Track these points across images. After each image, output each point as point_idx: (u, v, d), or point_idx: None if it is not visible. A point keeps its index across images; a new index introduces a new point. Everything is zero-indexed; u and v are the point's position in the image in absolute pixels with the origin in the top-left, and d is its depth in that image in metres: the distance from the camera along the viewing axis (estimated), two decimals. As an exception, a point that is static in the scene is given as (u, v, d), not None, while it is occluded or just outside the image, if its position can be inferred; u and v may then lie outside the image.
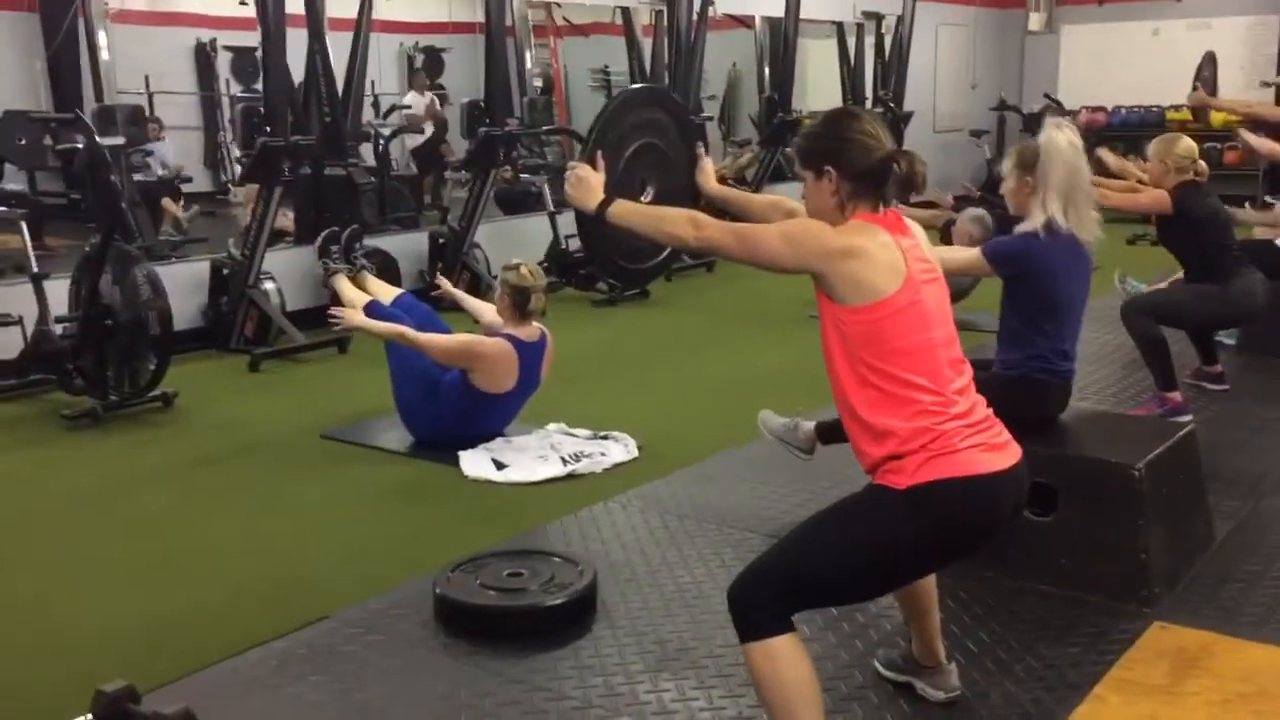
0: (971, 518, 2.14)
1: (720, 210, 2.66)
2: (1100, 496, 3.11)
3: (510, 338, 4.42)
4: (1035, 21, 14.17)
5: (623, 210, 2.40)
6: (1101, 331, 6.09)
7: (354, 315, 4.58)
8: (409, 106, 9.73)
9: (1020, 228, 3.39)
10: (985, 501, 2.13)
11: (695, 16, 8.62)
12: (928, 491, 2.09)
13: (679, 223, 2.29)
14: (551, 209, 7.87)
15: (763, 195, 2.84)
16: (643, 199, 2.93)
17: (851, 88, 11.99)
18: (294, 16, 6.13)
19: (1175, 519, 3.23)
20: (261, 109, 6.35)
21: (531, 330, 4.48)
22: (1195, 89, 7.53)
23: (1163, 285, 5.99)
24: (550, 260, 7.86)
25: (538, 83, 11.04)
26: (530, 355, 4.46)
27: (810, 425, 3.76)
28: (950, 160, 12.70)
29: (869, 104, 11.59)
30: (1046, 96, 13.62)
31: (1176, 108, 12.87)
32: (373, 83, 12.17)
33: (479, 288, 7.34)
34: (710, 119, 9.93)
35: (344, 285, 5.02)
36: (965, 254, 3.50)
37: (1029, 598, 3.12)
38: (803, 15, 11.78)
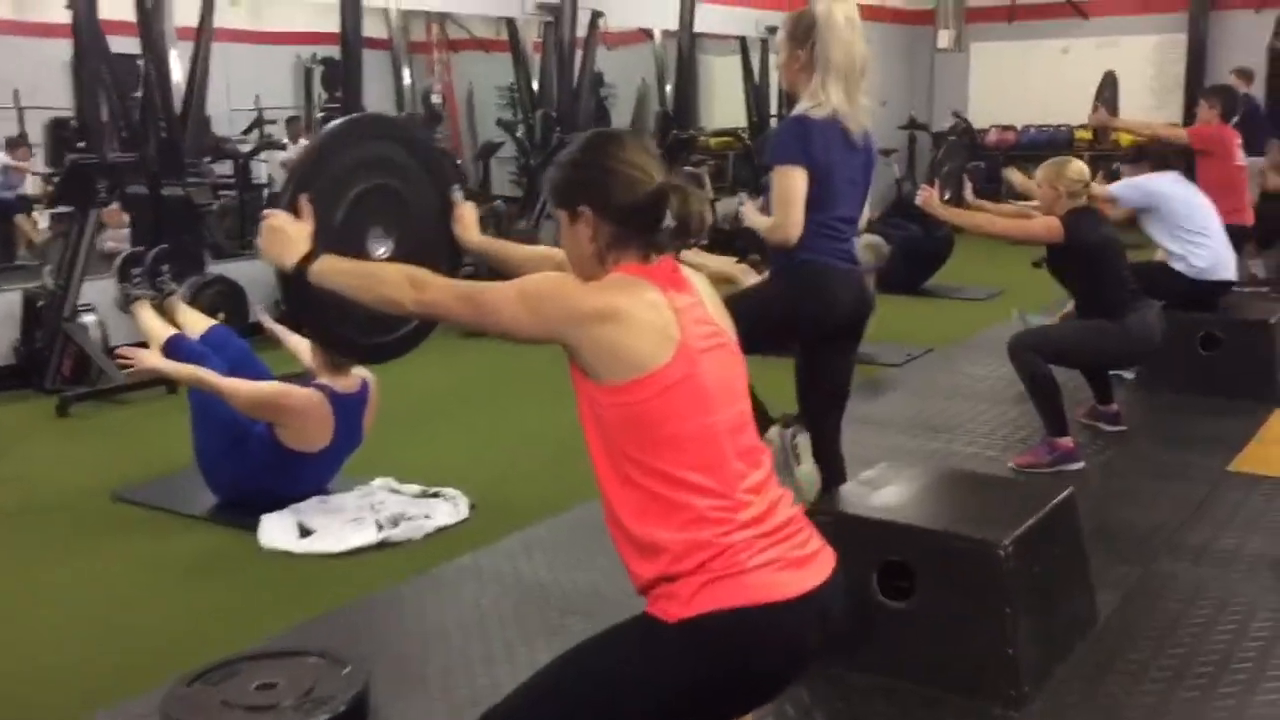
0: (761, 661, 1.67)
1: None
2: (961, 579, 2.67)
3: (324, 388, 3.88)
4: (944, 39, 13.93)
5: (328, 268, 1.92)
6: (993, 366, 5.70)
7: (146, 355, 4.02)
8: (270, 122, 9.12)
9: (795, 109, 3.10)
10: (779, 638, 1.66)
11: (578, 31, 8.15)
12: (703, 626, 1.62)
13: (396, 283, 1.82)
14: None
15: (531, 246, 2.38)
16: (377, 255, 2.41)
17: (755, 105, 11.65)
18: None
19: (1050, 601, 2.80)
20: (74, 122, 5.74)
21: (350, 380, 3.94)
22: (1096, 110, 7.22)
23: (1055, 318, 5.66)
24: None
25: (436, 99, 10.54)
26: (348, 409, 3.93)
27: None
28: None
29: (772, 121, 11.24)
30: (955, 114, 13.41)
31: (1085, 127, 12.68)
32: (257, 96, 11.65)
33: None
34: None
35: (146, 316, 4.42)
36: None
37: (880, 700, 2.67)
38: (704, 30, 11.44)
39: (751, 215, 3.30)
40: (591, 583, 3.37)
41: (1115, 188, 5.53)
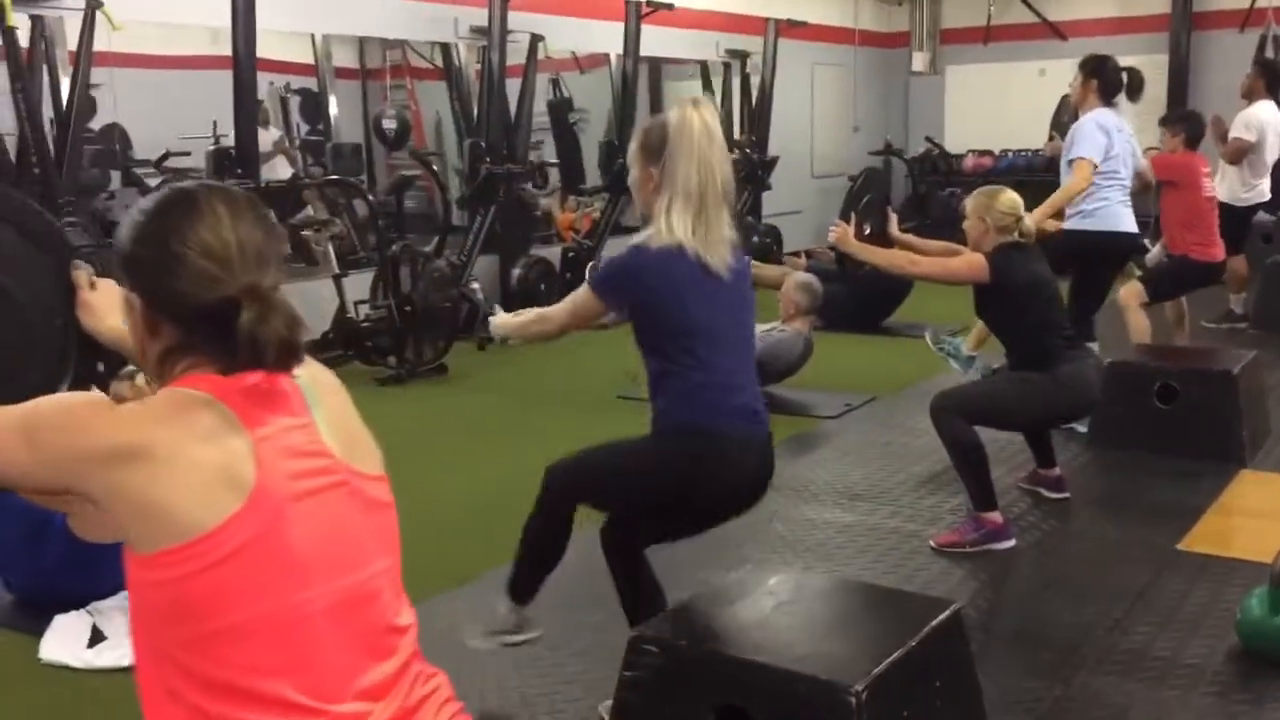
0: None
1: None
2: (807, 732, 2.16)
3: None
4: (919, 61, 13.50)
5: None
6: (914, 420, 5.18)
7: None
8: (184, 153, 8.61)
9: (634, 238, 2.58)
10: None
11: (520, 57, 7.69)
12: None
13: None
14: (336, 271, 6.85)
15: None
16: None
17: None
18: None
19: (922, 751, 2.29)
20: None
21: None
22: (1052, 138, 6.74)
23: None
24: (336, 329, 6.84)
25: (390, 124, 10.08)
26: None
27: (502, 605, 2.81)
28: (829, 206, 11.90)
29: (735, 149, 10.75)
30: (928, 140, 12.96)
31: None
32: (215, 123, 11.22)
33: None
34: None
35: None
36: (574, 298, 2.67)
37: None
38: (663, 54, 11.03)
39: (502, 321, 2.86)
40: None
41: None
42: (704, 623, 2.40)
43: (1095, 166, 5.05)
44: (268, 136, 9.72)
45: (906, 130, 13.65)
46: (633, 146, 2.62)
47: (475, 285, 7.88)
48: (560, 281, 8.67)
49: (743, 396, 2.56)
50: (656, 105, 12.77)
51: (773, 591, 2.56)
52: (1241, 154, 7.30)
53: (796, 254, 10.24)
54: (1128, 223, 5.19)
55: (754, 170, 10.14)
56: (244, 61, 5.91)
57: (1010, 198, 4.02)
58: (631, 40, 8.69)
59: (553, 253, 8.95)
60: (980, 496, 3.84)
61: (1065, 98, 7.65)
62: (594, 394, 6.22)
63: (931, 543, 3.87)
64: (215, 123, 11.30)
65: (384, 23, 7.95)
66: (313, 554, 1.21)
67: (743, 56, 11.02)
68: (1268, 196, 7.64)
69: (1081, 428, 5.12)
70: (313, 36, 8.07)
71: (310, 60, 11.45)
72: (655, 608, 2.65)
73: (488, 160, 7.52)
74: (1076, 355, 3.95)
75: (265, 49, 10.92)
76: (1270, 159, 7.49)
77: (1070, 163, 5.14)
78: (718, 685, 2.25)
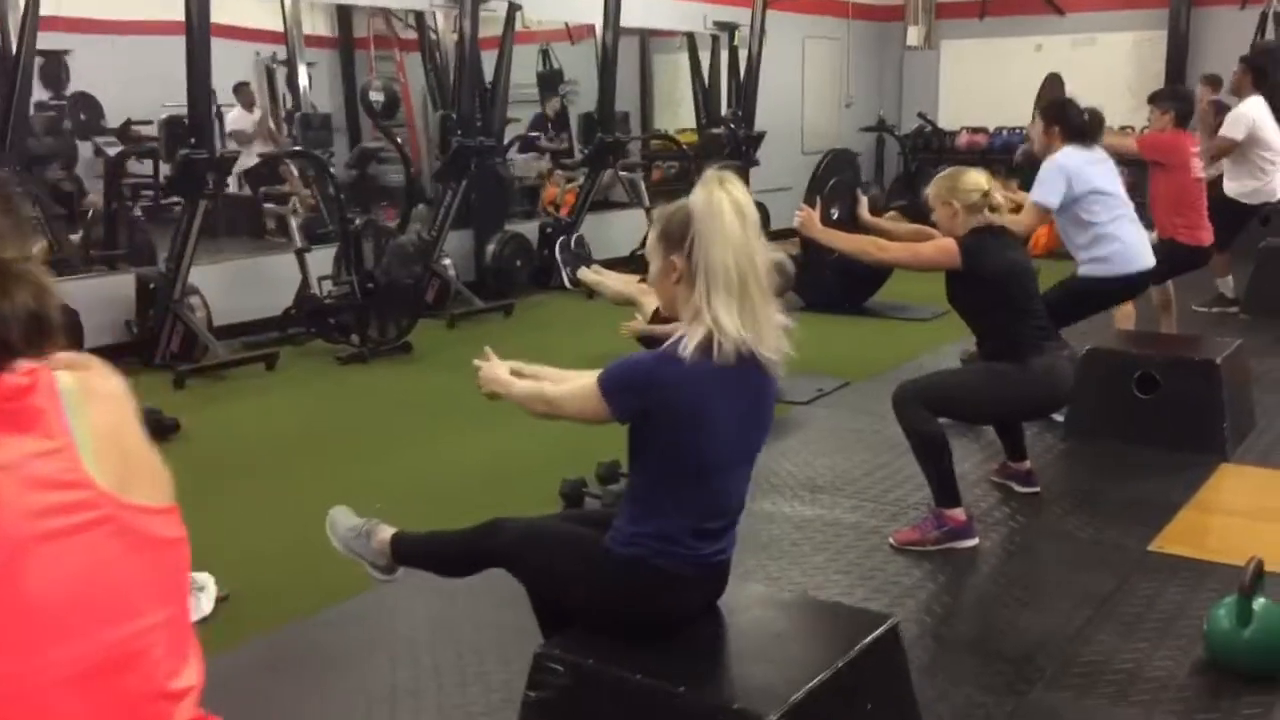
0: None
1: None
2: (717, 763, 1.98)
3: None
4: (913, 35, 13.22)
5: None
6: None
7: None
8: (145, 122, 8.37)
9: (668, 344, 2.20)
10: None
11: (478, 23, 7.45)
12: None
13: None
14: (300, 245, 6.65)
15: None
16: None
17: (705, 105, 10.94)
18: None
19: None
20: None
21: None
22: (1034, 118, 6.47)
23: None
24: (299, 306, 6.65)
25: (377, 96, 9.83)
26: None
27: (386, 535, 2.61)
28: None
29: (720, 124, 10.49)
30: (920, 116, 12.71)
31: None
32: (214, 91, 10.94)
33: (193, 346, 6.11)
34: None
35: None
36: (579, 390, 2.30)
37: None
38: (650, 25, 10.81)
39: None
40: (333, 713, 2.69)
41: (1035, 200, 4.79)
42: (617, 640, 2.21)
43: (1049, 212, 4.68)
44: (250, 118, 9.50)
45: (900, 106, 13.40)
46: (651, 235, 2.32)
47: (446, 262, 7.68)
48: (538, 257, 8.48)
49: (724, 544, 2.28)
50: (645, 78, 12.54)
51: (697, 603, 2.37)
52: (1223, 153, 7.03)
53: (785, 232, 10.00)
54: (1144, 258, 4.74)
55: (739, 146, 9.89)
56: (197, 27, 5.68)
57: (973, 176, 3.78)
58: (612, 10, 8.44)
59: (531, 228, 8.74)
60: (942, 492, 3.66)
61: (1050, 75, 7.36)
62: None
63: (891, 540, 3.69)
64: (213, 91, 11.11)
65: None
66: (57, 608, 1.01)
67: (731, 28, 10.77)
68: (1278, 195, 7.32)
69: (1059, 417, 4.92)
70: (281, 2, 7.79)
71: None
72: None
73: (459, 133, 7.30)
74: (1050, 347, 3.75)
75: (248, 18, 10.76)
76: (1272, 152, 7.17)
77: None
78: (623, 712, 2.07)
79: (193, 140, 5.71)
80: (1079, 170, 4.65)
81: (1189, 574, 3.42)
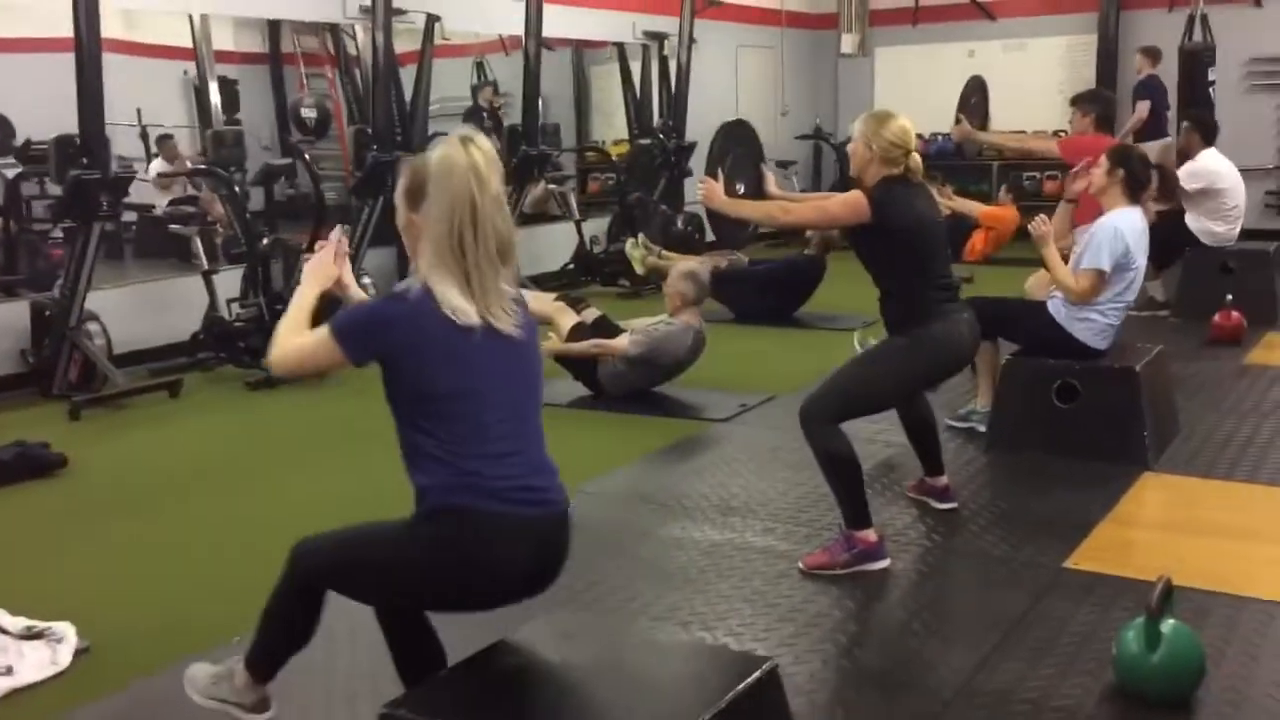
0: None
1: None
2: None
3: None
4: (848, 43, 13.18)
5: None
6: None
7: None
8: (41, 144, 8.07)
9: (399, 285, 2.22)
10: None
11: (391, 35, 7.25)
12: None
13: None
14: (206, 267, 6.42)
15: None
16: None
17: (636, 116, 10.81)
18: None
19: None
20: None
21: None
22: (959, 121, 6.42)
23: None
24: (206, 329, 6.42)
25: (309, 113, 9.59)
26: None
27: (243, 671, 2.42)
28: (758, 193, 11.57)
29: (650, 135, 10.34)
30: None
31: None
32: (139, 110, 10.64)
33: (93, 375, 5.86)
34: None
35: None
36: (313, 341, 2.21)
37: None
38: (577, 36, 10.66)
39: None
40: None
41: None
42: (468, 695, 2.03)
43: (1104, 277, 4.44)
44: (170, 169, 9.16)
45: (836, 113, 13.33)
46: (399, 187, 2.23)
47: (366, 280, 7.45)
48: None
49: (517, 472, 2.15)
50: (581, 89, 12.38)
51: (559, 652, 2.21)
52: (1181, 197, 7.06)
53: (717, 244, 9.88)
54: (1100, 344, 4.56)
55: (669, 156, 9.76)
56: (86, 43, 5.44)
57: (901, 125, 3.57)
58: (534, 21, 8.28)
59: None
60: (853, 513, 3.51)
61: (973, 78, 7.31)
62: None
63: (800, 564, 3.54)
64: (139, 110, 10.83)
65: (265, 2, 7.49)
66: None
67: (661, 38, 10.64)
68: (1234, 240, 7.35)
69: (981, 427, 4.83)
70: (190, 17, 7.56)
71: (230, 46, 11.05)
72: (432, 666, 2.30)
73: (374, 147, 7.10)
74: (951, 309, 3.62)
75: (175, 36, 10.51)
76: (1233, 201, 7.18)
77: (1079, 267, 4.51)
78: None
79: (84, 160, 5.46)
80: (1136, 243, 4.49)
81: (1104, 592, 3.31)
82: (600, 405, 5.58)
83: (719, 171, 4.03)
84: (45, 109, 9.21)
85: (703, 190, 3.81)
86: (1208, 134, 7.27)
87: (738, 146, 4.62)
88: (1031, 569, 3.50)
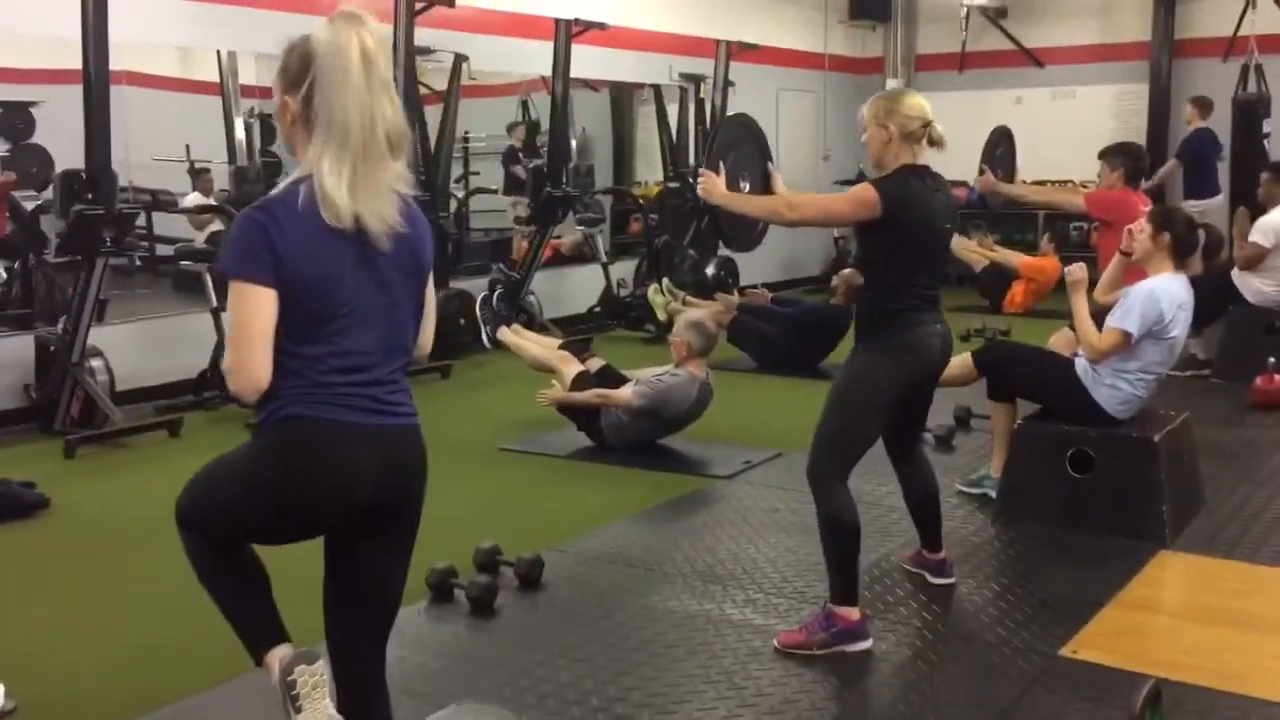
0: None
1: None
2: None
3: None
4: (892, 88, 13.00)
5: None
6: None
7: None
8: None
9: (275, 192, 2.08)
10: None
11: (415, 72, 7.18)
12: None
13: None
14: (215, 305, 6.36)
15: None
16: None
17: (672, 158, 10.69)
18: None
19: None
20: None
21: None
22: (983, 172, 6.20)
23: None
24: (214, 368, 6.35)
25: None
26: None
27: (273, 659, 2.21)
28: (795, 240, 11.39)
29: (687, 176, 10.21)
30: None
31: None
32: (188, 146, 10.71)
33: (94, 411, 5.80)
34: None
35: None
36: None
37: None
38: (613, 78, 10.61)
39: None
40: None
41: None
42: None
43: (1129, 340, 4.21)
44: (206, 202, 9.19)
45: (880, 159, 13.11)
46: (277, 67, 2.10)
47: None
48: (513, 312, 8.17)
49: (363, 379, 2.07)
50: (625, 130, 12.31)
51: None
52: (1255, 261, 6.86)
53: (754, 287, 9.71)
54: (1122, 415, 4.32)
55: (700, 201, 9.60)
56: (95, 77, 5.43)
57: (915, 99, 3.36)
58: (561, 61, 8.20)
59: (481, 285, 8.45)
60: (841, 586, 3.30)
61: (998, 129, 7.09)
62: (475, 445, 5.69)
63: (775, 642, 3.33)
64: (188, 146, 10.95)
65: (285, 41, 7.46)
66: None
67: (698, 80, 10.54)
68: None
69: (993, 493, 4.59)
70: (218, 54, 7.58)
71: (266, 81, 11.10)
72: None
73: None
74: (926, 319, 3.36)
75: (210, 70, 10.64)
76: None
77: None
78: None
79: (89, 195, 5.42)
80: (1174, 312, 4.25)
81: (1099, 685, 3.06)
82: (601, 457, 5.41)
83: (720, 166, 3.78)
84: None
85: (702, 183, 3.63)
86: None
87: (742, 142, 4.39)
88: (1025, 655, 3.26)
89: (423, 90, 8.36)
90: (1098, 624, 3.47)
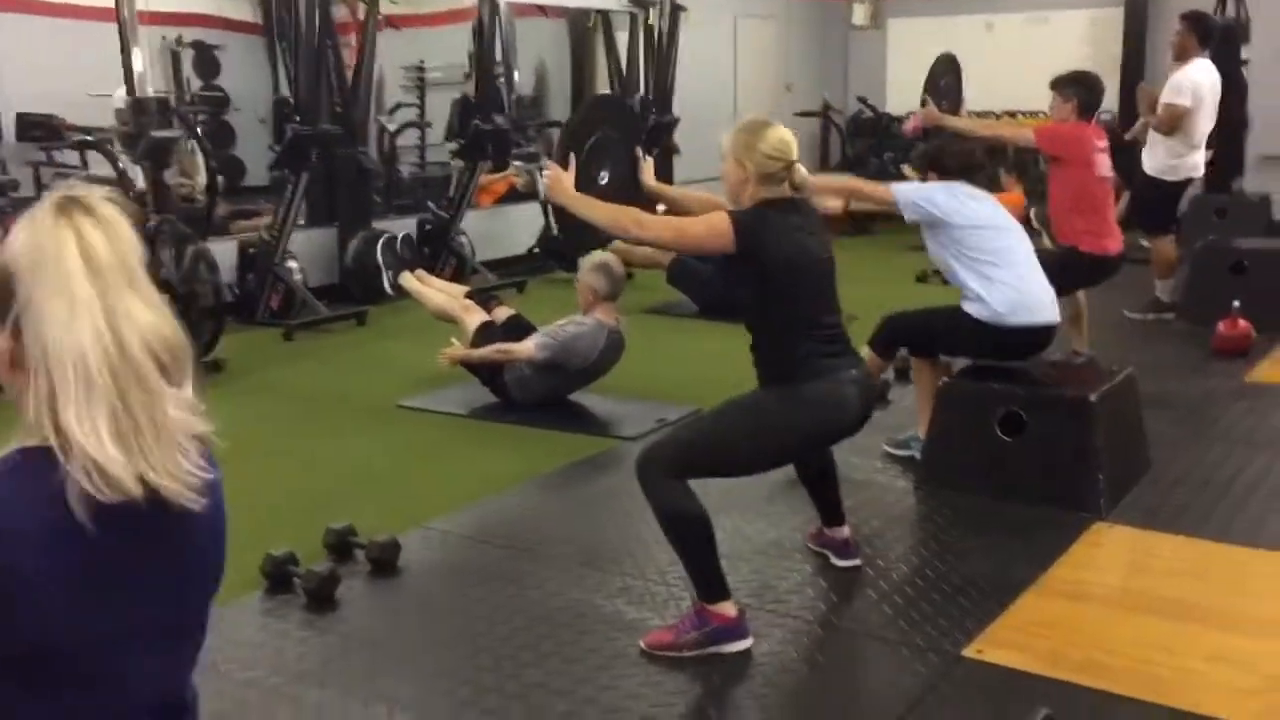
0: None
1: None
2: None
3: None
4: (859, 14, 12.43)
5: None
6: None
7: None
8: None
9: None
10: None
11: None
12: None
13: None
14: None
15: None
16: None
17: (622, 90, 10.12)
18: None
19: None
20: None
21: None
22: (925, 103, 5.70)
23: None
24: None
25: None
26: None
27: None
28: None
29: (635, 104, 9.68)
30: (860, 100, 11.92)
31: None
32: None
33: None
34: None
35: None
36: None
37: None
38: (558, 1, 10.00)
39: None
40: None
41: (898, 189, 4.06)
42: None
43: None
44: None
45: (846, 89, 12.57)
46: None
47: (292, 264, 6.90)
48: (418, 255, 7.69)
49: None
50: (581, 62, 11.71)
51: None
52: (1176, 120, 6.35)
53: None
54: (1029, 318, 3.96)
55: (655, 130, 9.10)
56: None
57: (779, 135, 2.95)
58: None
59: (408, 224, 7.95)
60: (705, 583, 2.89)
61: (942, 56, 6.59)
62: (374, 400, 5.26)
63: (641, 643, 2.92)
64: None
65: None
66: None
67: (646, 5, 9.94)
68: (1200, 171, 6.67)
69: (918, 455, 4.18)
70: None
71: (207, 10, 10.57)
72: None
73: (297, 120, 6.51)
74: (836, 366, 2.96)
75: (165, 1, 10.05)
76: (1204, 127, 6.51)
77: None
78: None
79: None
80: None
81: (1002, 692, 2.67)
82: (503, 416, 4.98)
83: (570, 157, 3.26)
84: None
85: (548, 178, 3.17)
86: (1205, 36, 6.52)
87: (608, 126, 3.80)
88: (923, 656, 2.85)
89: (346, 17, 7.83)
90: (1012, 615, 3.08)
